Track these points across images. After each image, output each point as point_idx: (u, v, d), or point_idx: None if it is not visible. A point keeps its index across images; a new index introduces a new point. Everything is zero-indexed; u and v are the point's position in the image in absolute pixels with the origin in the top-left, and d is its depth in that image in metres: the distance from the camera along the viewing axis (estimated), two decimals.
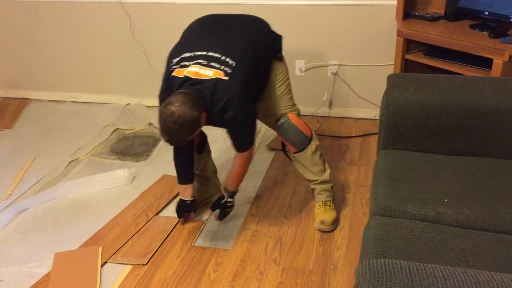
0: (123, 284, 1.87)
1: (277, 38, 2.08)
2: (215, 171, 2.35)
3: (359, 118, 3.18)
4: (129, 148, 2.96)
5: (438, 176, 1.68)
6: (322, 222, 2.12)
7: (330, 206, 2.18)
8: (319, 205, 2.18)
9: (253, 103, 1.96)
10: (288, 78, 2.10)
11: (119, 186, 2.53)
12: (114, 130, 3.17)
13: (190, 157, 2.11)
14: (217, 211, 2.14)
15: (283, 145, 2.29)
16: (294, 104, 2.13)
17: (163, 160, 2.77)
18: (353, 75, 3.06)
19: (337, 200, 2.35)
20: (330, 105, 3.21)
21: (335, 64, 3.06)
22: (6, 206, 2.36)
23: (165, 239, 2.10)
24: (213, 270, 1.94)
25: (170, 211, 2.29)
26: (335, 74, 3.09)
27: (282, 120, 2.07)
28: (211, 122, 1.86)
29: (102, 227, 2.20)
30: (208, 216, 2.26)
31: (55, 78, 3.59)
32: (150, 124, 3.19)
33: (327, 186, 2.19)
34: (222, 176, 2.54)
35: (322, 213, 2.15)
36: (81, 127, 3.23)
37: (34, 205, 2.38)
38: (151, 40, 3.26)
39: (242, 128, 1.89)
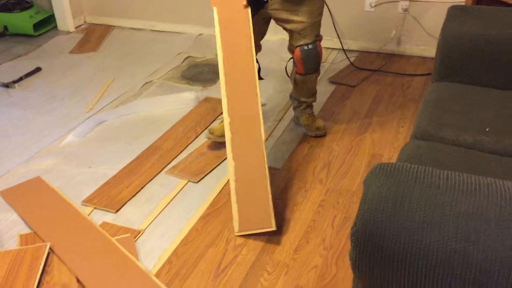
0: (182, 192, 2.09)
1: None
2: None
3: (426, 57, 3.12)
4: (198, 74, 3.14)
5: (485, 108, 1.69)
6: (318, 129, 2.41)
7: (315, 116, 2.46)
8: (307, 117, 2.43)
9: None
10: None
11: (185, 108, 2.73)
12: (186, 58, 3.37)
13: None
14: None
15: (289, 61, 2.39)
16: (320, 33, 2.25)
17: None
18: (424, 12, 2.99)
19: (391, 134, 2.41)
20: (398, 43, 3.17)
21: (406, 0, 2.99)
22: (88, 118, 2.65)
23: (218, 164, 2.26)
24: None
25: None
26: (405, 10, 3.03)
27: (310, 46, 2.18)
28: None
29: (156, 139, 2.44)
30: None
31: (137, 7, 3.82)
32: None
33: (312, 103, 2.45)
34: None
35: (313, 122, 2.42)
36: (157, 53, 3.46)
37: (111, 118, 2.65)
38: None
39: None
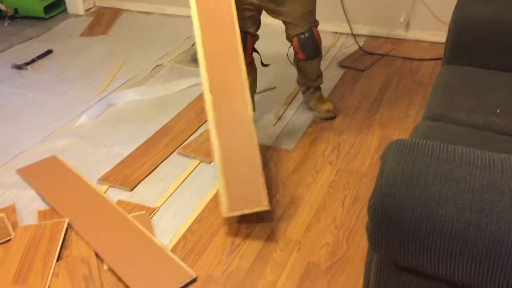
0: (195, 172, 2.13)
1: None
2: (254, 93, 2.44)
3: (435, 42, 3.14)
4: None
5: (496, 91, 1.72)
6: (328, 111, 2.42)
7: (325, 99, 2.48)
8: (316, 100, 2.45)
9: None
10: None
11: (196, 90, 2.76)
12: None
13: None
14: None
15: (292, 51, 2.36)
16: (316, 19, 2.25)
17: None
18: None
19: (400, 117, 2.44)
20: (407, 27, 3.18)
21: None
22: (100, 100, 2.69)
23: None
24: (273, 165, 2.15)
25: None
26: None
27: (306, 35, 2.20)
28: None
29: (169, 121, 2.48)
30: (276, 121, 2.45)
31: None
32: None
33: (320, 87, 2.48)
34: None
35: (323, 104, 2.44)
36: (166, 37, 3.48)
37: (123, 101, 2.69)
38: None
39: None
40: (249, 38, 2.19)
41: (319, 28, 2.25)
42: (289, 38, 2.27)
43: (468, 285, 1.01)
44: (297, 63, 2.37)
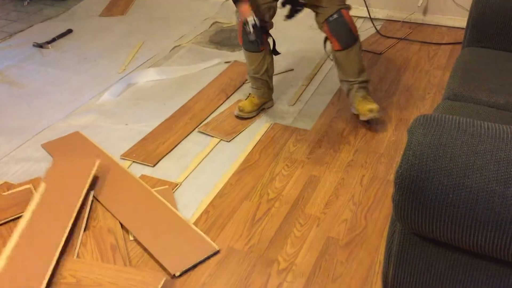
0: (216, 149, 2.18)
1: None
2: (272, 75, 2.40)
3: (453, 27, 3.14)
4: (226, 39, 3.19)
5: None
6: (370, 110, 2.17)
7: (370, 99, 2.24)
8: (360, 100, 2.22)
9: None
10: None
11: (215, 71, 2.80)
12: (213, 23, 3.42)
13: None
14: (287, 8, 2.12)
15: (325, 42, 2.25)
16: (347, 3, 2.14)
17: None
18: None
19: (418, 100, 2.46)
20: (425, 12, 3.19)
21: None
22: (121, 78, 2.73)
23: (250, 125, 2.33)
24: (292, 144, 2.19)
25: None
26: None
27: (335, 16, 2.07)
28: None
29: (189, 100, 2.52)
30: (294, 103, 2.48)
31: None
32: None
33: (366, 84, 2.24)
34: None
35: (366, 104, 2.20)
36: (184, 18, 3.51)
37: (145, 80, 2.73)
38: None
39: None
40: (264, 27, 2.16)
41: None
42: (321, 27, 2.15)
43: (490, 255, 1.05)
44: (335, 57, 2.20)
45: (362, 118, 2.22)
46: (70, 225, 1.69)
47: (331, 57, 2.26)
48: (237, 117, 2.36)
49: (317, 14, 2.15)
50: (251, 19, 2.01)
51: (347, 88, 2.26)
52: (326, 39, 2.22)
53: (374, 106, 2.19)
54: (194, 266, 1.61)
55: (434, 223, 1.05)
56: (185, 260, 1.61)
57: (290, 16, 2.13)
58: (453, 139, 1.03)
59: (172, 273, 1.57)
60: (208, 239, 1.70)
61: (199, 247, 1.67)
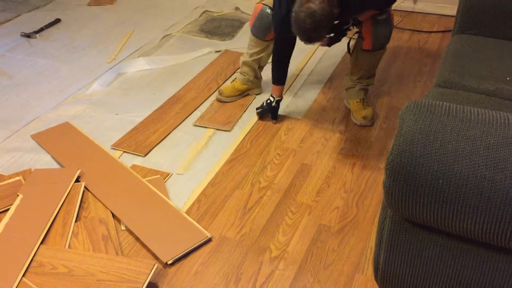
0: (206, 139, 2.17)
1: None
2: (263, 66, 2.40)
3: (443, 15, 3.15)
4: (216, 28, 3.17)
5: (506, 59, 1.75)
6: (364, 118, 2.20)
7: (367, 103, 2.25)
8: (358, 102, 2.23)
9: None
10: None
11: (206, 60, 2.78)
12: (204, 12, 3.39)
13: (290, 56, 2.14)
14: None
15: (351, 38, 2.21)
16: None
17: (246, 40, 2.97)
18: None
19: (408, 87, 2.47)
20: (415, 0, 3.18)
21: None
22: (111, 68, 2.71)
23: (243, 112, 2.33)
24: (284, 133, 2.19)
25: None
26: None
27: (384, 16, 2.01)
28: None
29: (179, 89, 2.51)
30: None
31: None
32: (237, 8, 3.36)
33: (368, 87, 2.27)
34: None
35: (361, 110, 2.22)
36: (174, 7, 3.48)
37: (134, 70, 2.71)
38: None
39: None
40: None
41: None
42: (358, 22, 2.05)
43: (480, 239, 1.06)
44: (357, 54, 2.15)
45: (355, 121, 2.24)
46: (52, 218, 1.68)
47: (352, 53, 2.19)
48: (218, 100, 2.38)
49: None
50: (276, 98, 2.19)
51: (349, 85, 2.26)
52: (356, 33, 2.14)
53: (369, 113, 2.22)
54: (187, 255, 1.61)
55: (424, 208, 1.06)
56: (177, 248, 1.61)
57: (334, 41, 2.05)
58: (443, 125, 1.04)
59: (164, 261, 1.57)
60: (200, 227, 1.70)
61: (191, 235, 1.67)
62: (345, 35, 2.05)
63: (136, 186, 1.87)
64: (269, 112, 2.24)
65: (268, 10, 2.15)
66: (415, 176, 1.03)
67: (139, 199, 1.81)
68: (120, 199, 1.82)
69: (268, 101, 2.23)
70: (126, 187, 1.87)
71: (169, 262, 1.57)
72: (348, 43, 2.19)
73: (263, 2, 2.18)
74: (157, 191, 1.84)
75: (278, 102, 2.22)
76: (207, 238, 1.66)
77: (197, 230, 1.69)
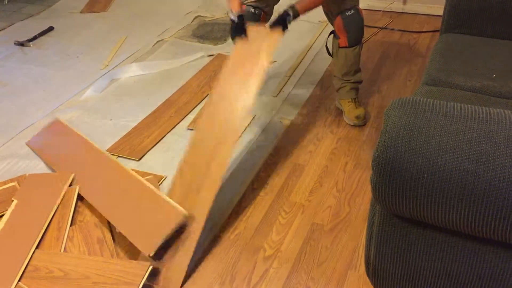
0: None
1: None
2: None
3: (432, 15, 3.18)
4: (209, 33, 3.20)
5: (492, 57, 1.78)
6: (357, 118, 2.22)
7: (358, 102, 2.28)
8: (349, 101, 2.26)
9: None
10: None
11: (198, 64, 2.81)
12: (196, 17, 3.42)
13: None
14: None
15: (328, 37, 2.25)
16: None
17: None
18: None
19: (399, 87, 2.50)
20: (405, 1, 3.22)
21: None
22: (104, 74, 2.73)
23: None
24: (276, 134, 2.21)
25: None
26: None
27: (352, 11, 2.06)
28: None
29: (173, 94, 2.53)
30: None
31: None
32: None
33: (358, 85, 2.28)
34: None
35: (354, 109, 2.24)
36: (166, 13, 3.51)
37: (128, 75, 2.73)
38: None
39: None
40: (263, 16, 2.13)
41: None
42: (332, 19, 2.12)
43: (466, 232, 1.09)
44: (337, 53, 2.19)
45: (347, 121, 2.26)
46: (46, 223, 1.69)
47: (332, 53, 2.24)
48: None
49: (329, 5, 2.09)
50: (234, 14, 1.95)
51: (339, 85, 2.27)
52: (331, 33, 2.19)
53: (361, 112, 2.23)
54: (169, 242, 1.57)
55: (411, 203, 1.08)
56: (156, 236, 1.55)
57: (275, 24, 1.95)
58: (427, 121, 1.06)
59: (147, 254, 1.53)
60: (174, 204, 1.61)
61: (167, 217, 1.59)
62: (282, 25, 1.90)
63: (123, 177, 1.81)
64: (240, 33, 1.97)
65: (252, 10, 2.12)
66: (400, 171, 1.05)
67: (132, 198, 1.76)
68: (110, 195, 1.78)
69: (231, 22, 1.98)
70: (115, 182, 1.83)
71: (151, 254, 1.52)
72: (326, 45, 2.25)
73: (245, 2, 2.15)
74: (150, 185, 1.77)
75: (240, 17, 1.95)
76: (183, 215, 1.58)
77: (172, 209, 1.60)
